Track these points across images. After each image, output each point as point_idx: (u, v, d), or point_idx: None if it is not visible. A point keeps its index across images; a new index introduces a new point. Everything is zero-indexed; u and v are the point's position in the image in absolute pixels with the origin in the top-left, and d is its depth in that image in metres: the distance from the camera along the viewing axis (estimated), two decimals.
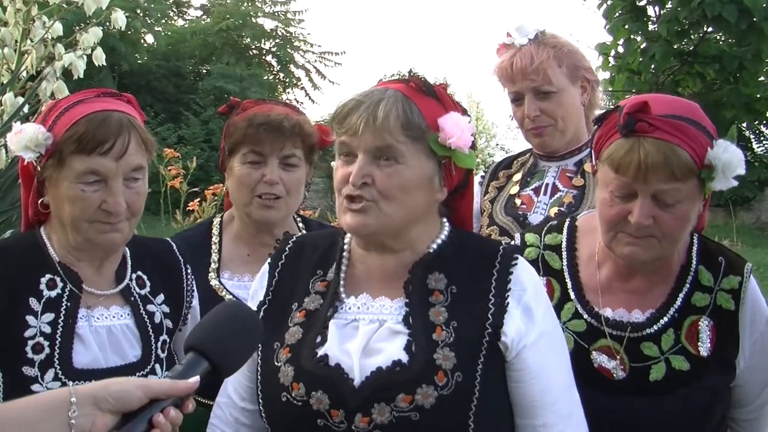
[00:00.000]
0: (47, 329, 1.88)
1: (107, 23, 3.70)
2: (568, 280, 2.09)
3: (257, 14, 27.94)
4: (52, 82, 3.56)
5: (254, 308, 1.88)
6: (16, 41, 3.60)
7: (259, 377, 1.84)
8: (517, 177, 2.83)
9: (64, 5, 3.62)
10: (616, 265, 2.04)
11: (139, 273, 2.09)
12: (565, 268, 2.11)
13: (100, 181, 1.89)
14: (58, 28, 3.64)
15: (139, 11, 24.30)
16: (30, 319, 1.88)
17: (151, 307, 2.06)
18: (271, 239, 2.46)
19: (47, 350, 1.86)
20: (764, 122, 20.50)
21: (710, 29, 15.37)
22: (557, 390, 1.78)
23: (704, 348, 1.96)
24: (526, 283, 1.80)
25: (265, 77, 27.62)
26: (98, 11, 3.58)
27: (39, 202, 1.97)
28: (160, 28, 26.66)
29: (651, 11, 15.74)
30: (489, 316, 1.74)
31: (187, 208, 4.99)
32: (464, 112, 1.85)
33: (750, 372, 1.99)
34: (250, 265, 2.48)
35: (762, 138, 21.95)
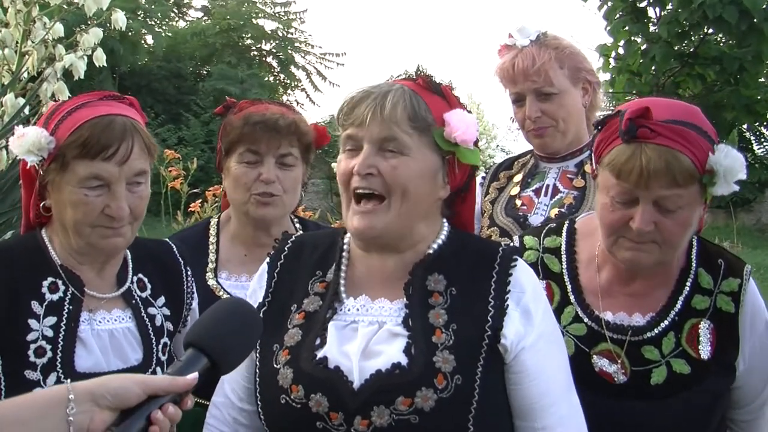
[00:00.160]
0: (49, 333, 1.88)
1: (107, 24, 3.69)
2: (567, 284, 2.09)
3: (258, 15, 27.94)
4: (53, 83, 3.56)
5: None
6: (17, 42, 3.60)
7: (257, 379, 1.83)
8: (518, 178, 2.83)
9: (64, 6, 3.62)
10: (617, 268, 2.04)
11: (140, 276, 2.08)
12: (564, 271, 2.10)
13: (103, 186, 1.89)
14: (58, 29, 3.64)
15: (139, 12, 24.31)
16: (32, 322, 1.87)
17: (152, 310, 2.06)
18: (268, 239, 2.46)
19: (49, 354, 1.86)
20: (765, 124, 20.49)
21: (710, 31, 15.37)
22: (556, 392, 1.78)
23: (705, 351, 1.95)
24: (526, 284, 1.80)
25: (266, 78, 27.63)
26: (98, 12, 3.57)
27: (41, 205, 1.97)
28: (160, 30, 26.65)
29: (651, 12, 15.74)
30: (488, 318, 1.74)
31: (189, 209, 4.99)
32: (469, 112, 1.86)
33: (749, 373, 1.99)
34: (248, 265, 2.49)
35: (762, 139, 21.95)
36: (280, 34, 28.30)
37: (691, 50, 15.73)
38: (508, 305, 1.76)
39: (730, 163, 1.87)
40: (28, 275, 1.92)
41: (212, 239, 2.56)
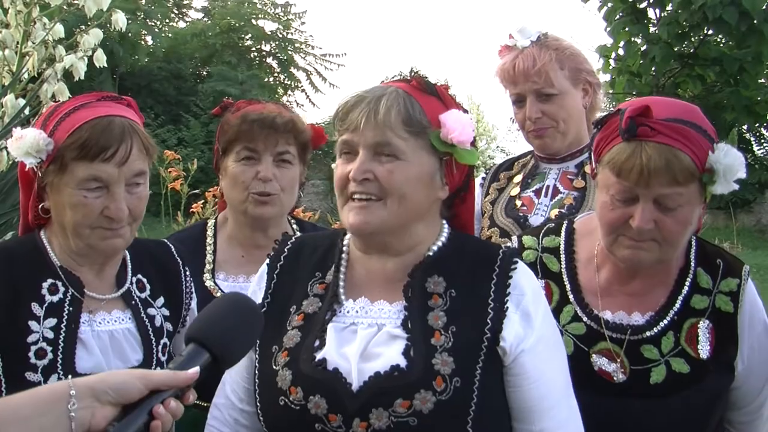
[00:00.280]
0: (50, 334, 1.88)
1: (107, 25, 3.69)
2: (566, 283, 2.09)
3: (258, 16, 27.94)
4: (53, 84, 3.56)
5: None
6: (17, 43, 3.60)
7: (256, 380, 1.83)
8: (518, 179, 2.83)
9: (64, 7, 3.62)
10: (616, 267, 2.04)
11: (139, 276, 2.09)
12: (563, 270, 2.10)
13: (102, 187, 1.88)
14: (59, 30, 3.64)
15: (139, 13, 24.31)
16: (32, 324, 1.87)
17: (151, 311, 2.06)
18: (266, 240, 2.46)
19: (50, 355, 1.86)
20: (764, 125, 20.49)
21: (710, 32, 15.37)
22: (555, 395, 1.77)
23: (704, 350, 1.95)
24: (525, 287, 1.79)
25: (266, 79, 27.63)
26: (99, 13, 3.58)
27: (39, 206, 1.97)
28: (160, 31, 26.65)
29: (651, 13, 15.74)
30: (488, 320, 1.73)
31: (190, 210, 4.99)
32: (465, 111, 1.84)
33: (747, 374, 1.99)
34: (245, 267, 2.49)
35: (762, 140, 21.95)
36: (280, 35, 28.31)
37: (691, 51, 15.73)
38: (507, 308, 1.75)
39: (729, 162, 1.87)
40: (28, 277, 1.92)
41: (209, 240, 2.56)
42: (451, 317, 1.74)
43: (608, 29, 15.31)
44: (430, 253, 1.82)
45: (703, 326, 1.97)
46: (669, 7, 15.26)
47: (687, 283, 2.01)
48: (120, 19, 3.61)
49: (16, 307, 1.88)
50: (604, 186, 1.95)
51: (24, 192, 2.01)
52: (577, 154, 2.73)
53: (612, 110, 2.00)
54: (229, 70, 24.97)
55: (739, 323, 1.97)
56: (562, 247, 2.14)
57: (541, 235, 2.18)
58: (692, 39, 15.80)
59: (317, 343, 1.76)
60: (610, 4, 15.37)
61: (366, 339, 1.75)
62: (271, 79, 28.57)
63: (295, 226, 2.63)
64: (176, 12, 29.66)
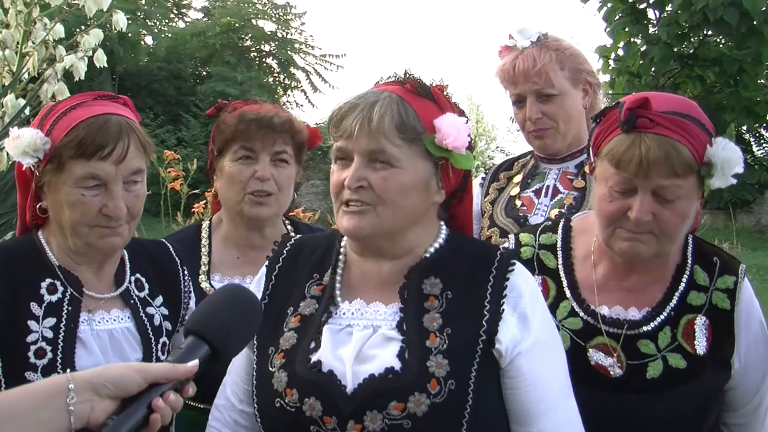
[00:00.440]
0: (49, 334, 1.88)
1: (107, 25, 3.69)
2: (563, 279, 2.09)
3: (258, 16, 27.94)
4: (54, 84, 3.56)
5: None
6: (18, 43, 3.60)
7: (254, 382, 1.83)
8: (518, 179, 2.84)
9: (65, 7, 3.62)
10: (613, 263, 2.05)
11: (138, 276, 2.09)
12: (560, 266, 2.11)
13: (100, 186, 1.89)
14: (59, 30, 3.64)
15: (139, 13, 24.30)
16: (32, 324, 1.87)
17: (150, 310, 2.06)
18: (262, 241, 2.47)
19: (50, 355, 1.86)
20: (764, 125, 20.50)
21: (710, 32, 15.36)
22: (553, 397, 1.77)
23: (701, 346, 1.96)
24: (523, 289, 1.78)
25: (266, 79, 27.63)
26: (99, 13, 3.57)
27: (37, 206, 1.96)
28: (160, 31, 26.64)
29: (651, 14, 15.72)
30: (483, 323, 1.73)
31: (191, 210, 4.99)
32: (461, 113, 1.84)
33: (744, 373, 2.00)
34: (241, 268, 2.50)
35: (762, 141, 21.98)
36: (280, 35, 28.31)
37: (691, 52, 15.71)
38: (503, 310, 1.74)
39: (727, 156, 1.88)
40: (27, 277, 1.92)
41: (204, 242, 2.57)
42: (446, 319, 1.73)
43: (608, 30, 15.29)
44: (427, 255, 1.82)
45: (700, 322, 1.98)
46: (668, 8, 15.23)
47: (684, 280, 2.02)
48: (120, 20, 3.61)
49: (15, 307, 1.88)
50: (602, 178, 1.96)
51: (21, 192, 2.01)
52: (577, 154, 2.74)
53: (610, 105, 2.01)
54: (228, 71, 24.97)
55: (735, 320, 1.97)
56: (559, 243, 2.14)
57: (538, 232, 2.19)
58: (692, 40, 15.79)
59: (313, 345, 1.76)
60: (609, 5, 15.34)
61: (361, 341, 1.75)
62: (271, 79, 28.57)
63: (289, 227, 2.63)
64: (176, 12, 29.66)
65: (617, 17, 15.30)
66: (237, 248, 2.55)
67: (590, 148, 2.04)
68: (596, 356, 1.99)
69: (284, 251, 1.94)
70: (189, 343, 1.45)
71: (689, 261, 2.04)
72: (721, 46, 16.32)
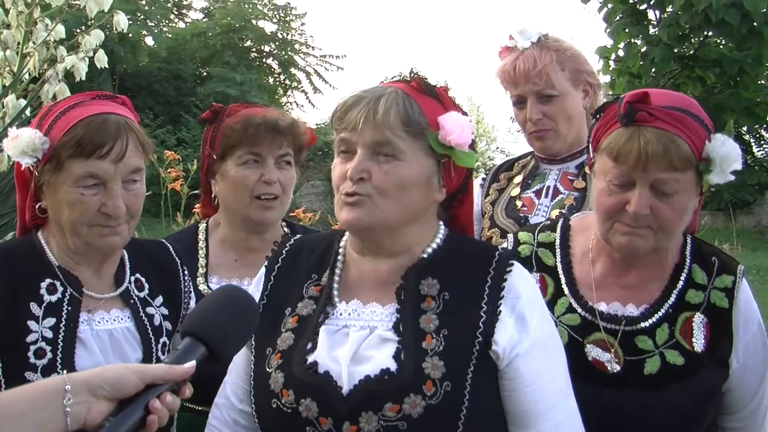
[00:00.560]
0: (49, 334, 1.88)
1: (108, 26, 3.70)
2: (561, 276, 2.09)
3: (258, 17, 27.94)
4: (54, 85, 3.56)
5: None
6: (19, 44, 3.60)
7: (252, 382, 1.83)
8: (518, 179, 2.84)
9: (66, 8, 3.62)
10: (611, 260, 2.05)
11: (138, 276, 2.09)
12: (558, 264, 2.11)
13: (99, 185, 1.89)
14: (60, 31, 3.64)
15: (139, 14, 24.31)
16: (31, 324, 1.87)
17: (150, 310, 2.06)
18: (260, 243, 2.47)
19: (50, 355, 1.86)
20: (764, 126, 20.48)
21: (711, 33, 15.36)
22: (552, 398, 1.76)
23: (698, 344, 1.96)
24: (521, 290, 1.78)
25: (266, 80, 27.64)
26: (100, 14, 3.58)
27: (36, 206, 1.97)
28: (162, 30, 26.64)
29: (652, 15, 15.72)
30: (480, 324, 1.72)
31: (192, 211, 4.98)
32: (464, 114, 1.84)
33: (741, 375, 2.00)
34: (238, 270, 2.51)
35: (762, 142, 21.96)
36: (281, 36, 28.31)
37: (691, 53, 15.71)
38: (500, 311, 1.74)
39: (726, 151, 1.89)
40: (27, 277, 1.92)
41: (201, 244, 2.57)
42: (443, 320, 1.73)
43: (608, 30, 15.29)
44: (425, 255, 1.82)
45: (698, 320, 1.98)
46: (669, 9, 15.23)
47: (682, 278, 2.03)
48: (121, 21, 3.61)
49: (15, 307, 1.88)
50: (601, 173, 1.97)
51: (20, 193, 2.01)
52: (578, 155, 2.73)
53: (610, 100, 2.02)
54: (228, 72, 24.97)
55: (733, 319, 1.98)
56: (557, 242, 2.15)
57: (537, 231, 2.19)
58: (692, 41, 15.78)
59: (309, 345, 1.76)
60: (610, 6, 15.34)
61: (357, 342, 1.75)
62: (271, 80, 28.57)
63: (286, 229, 2.64)
64: (176, 13, 29.66)
65: (618, 18, 15.29)
66: (235, 251, 2.56)
67: (589, 144, 2.05)
68: (594, 352, 1.99)
69: (283, 251, 1.94)
70: (186, 344, 1.45)
71: (688, 260, 2.05)
72: (721, 47, 16.32)
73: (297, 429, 1.70)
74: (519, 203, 2.75)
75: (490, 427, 1.74)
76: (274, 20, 28.18)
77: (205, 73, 26.90)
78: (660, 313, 1.99)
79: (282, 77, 28.99)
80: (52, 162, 1.89)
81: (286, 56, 28.12)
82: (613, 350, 1.98)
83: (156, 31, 26.09)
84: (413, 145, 1.75)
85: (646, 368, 1.95)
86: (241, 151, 2.47)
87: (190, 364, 1.41)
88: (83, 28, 3.76)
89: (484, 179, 2.95)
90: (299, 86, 28.66)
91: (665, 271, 2.04)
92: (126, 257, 2.09)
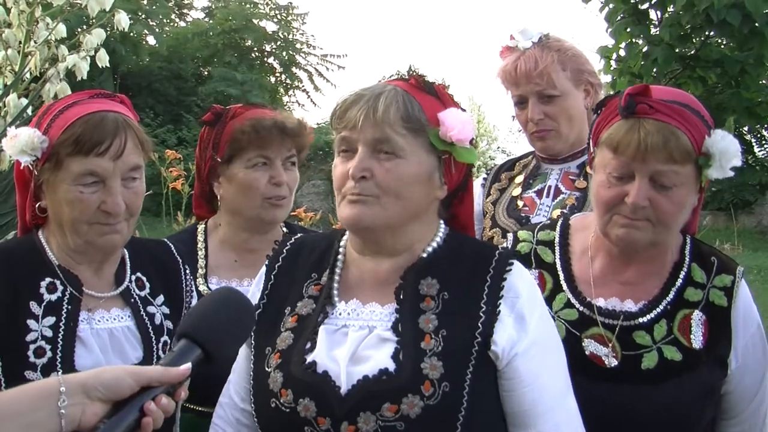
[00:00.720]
0: (49, 333, 1.88)
1: (110, 25, 3.70)
2: (560, 273, 2.10)
3: (259, 17, 27.94)
4: (56, 84, 3.56)
5: None
6: (20, 43, 3.60)
7: (252, 381, 1.83)
8: (520, 179, 2.84)
9: (67, 7, 3.62)
10: (610, 256, 2.05)
11: (139, 274, 2.09)
12: (557, 261, 2.12)
13: (98, 182, 1.89)
14: (61, 30, 3.64)
15: (140, 13, 24.31)
16: (31, 323, 1.87)
17: (151, 309, 2.06)
18: (261, 244, 2.48)
19: (49, 354, 1.86)
20: (765, 126, 20.48)
21: (712, 33, 15.37)
22: (551, 398, 1.75)
23: (697, 340, 1.96)
24: (521, 289, 1.77)
25: (268, 78, 27.63)
26: (101, 13, 3.58)
27: (36, 206, 1.97)
28: (161, 31, 26.64)
29: (653, 15, 15.73)
30: (479, 324, 1.71)
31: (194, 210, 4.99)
32: (463, 111, 1.83)
33: (740, 376, 2.00)
34: (238, 270, 2.51)
35: (763, 141, 21.93)
36: (282, 35, 28.31)
37: (693, 53, 15.72)
38: (500, 311, 1.73)
39: (725, 146, 1.90)
40: (27, 276, 1.93)
41: (200, 245, 2.57)
42: (442, 320, 1.72)
43: (609, 30, 15.30)
44: (424, 255, 1.81)
45: (697, 317, 1.98)
46: (671, 9, 15.24)
47: (681, 276, 2.03)
48: (123, 20, 3.61)
49: (15, 306, 1.88)
50: (601, 166, 1.97)
51: (20, 192, 2.01)
52: (579, 155, 2.73)
53: (611, 94, 2.03)
54: (229, 71, 24.96)
55: (732, 318, 1.98)
56: (556, 240, 2.15)
57: (537, 230, 2.20)
58: (694, 41, 15.79)
59: (308, 345, 1.76)
60: (611, 5, 15.35)
61: (356, 342, 1.74)
62: (273, 79, 28.57)
63: (285, 230, 2.64)
64: (177, 12, 29.67)
65: (619, 18, 15.30)
66: (235, 251, 2.56)
67: (590, 140, 2.05)
68: (591, 346, 1.99)
69: (284, 251, 1.94)
70: (181, 346, 1.45)
71: (687, 259, 2.05)
72: (723, 47, 16.32)
73: (295, 429, 1.69)
74: (520, 203, 2.74)
75: (489, 427, 1.74)
76: (275, 20, 28.18)
77: (206, 73, 26.90)
78: (658, 309, 1.99)
79: (283, 77, 28.98)
80: (51, 160, 1.89)
81: (287, 56, 28.12)
82: (610, 345, 1.98)
83: (157, 30, 26.08)
84: (414, 142, 1.75)
85: (644, 363, 1.95)
86: (251, 154, 2.46)
87: (186, 367, 1.41)
88: (84, 27, 3.76)
89: (485, 179, 2.95)
90: (301, 86, 28.67)
91: (664, 268, 2.04)
92: (126, 256, 2.09)
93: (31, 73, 3.65)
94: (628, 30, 15.23)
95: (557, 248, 2.14)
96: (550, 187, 2.74)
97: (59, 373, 1.84)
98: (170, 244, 2.22)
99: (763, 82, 16.60)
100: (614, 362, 1.97)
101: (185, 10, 30.15)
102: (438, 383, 1.65)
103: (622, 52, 15.60)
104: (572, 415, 1.79)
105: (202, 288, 2.46)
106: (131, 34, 22.25)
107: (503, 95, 2.84)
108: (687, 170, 1.90)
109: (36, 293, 1.91)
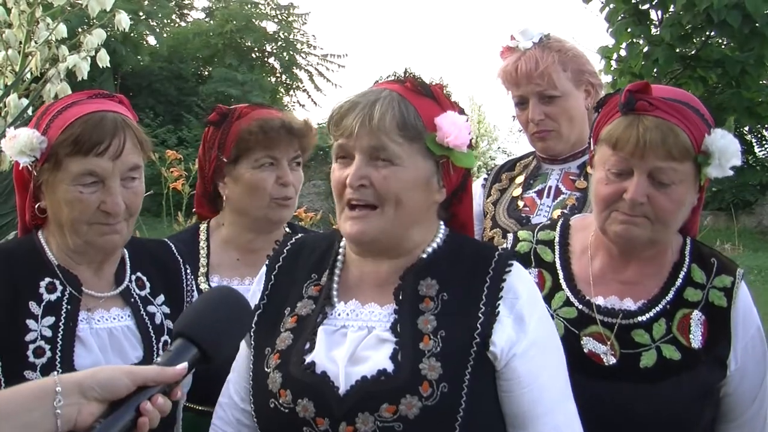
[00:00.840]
0: (48, 333, 1.88)
1: (110, 25, 3.70)
2: (560, 272, 2.10)
3: (260, 17, 27.96)
4: (56, 84, 3.56)
5: None
6: (21, 43, 3.60)
7: (251, 381, 1.83)
8: (520, 179, 2.83)
9: (68, 7, 3.62)
10: (609, 255, 2.05)
11: (139, 274, 2.09)
12: (557, 260, 2.12)
13: (98, 182, 1.89)
14: (62, 30, 3.65)
15: (141, 14, 24.32)
16: (30, 323, 1.88)
17: (151, 308, 2.06)
18: (264, 243, 2.47)
19: (49, 354, 1.86)
20: (766, 126, 20.47)
21: (713, 34, 15.36)
22: (550, 400, 1.75)
23: (696, 340, 1.96)
24: (520, 290, 1.77)
25: (268, 78, 27.64)
26: (101, 13, 3.58)
27: (36, 206, 1.97)
28: (162, 31, 26.66)
29: (654, 15, 15.72)
30: (478, 325, 1.71)
31: (193, 210, 4.99)
32: (461, 111, 1.83)
33: (740, 378, 1.99)
34: (240, 269, 2.51)
35: (764, 142, 21.93)
36: (283, 36, 28.32)
37: (693, 53, 15.72)
38: (499, 311, 1.73)
39: (725, 145, 1.90)
40: (27, 276, 1.93)
41: (202, 244, 2.57)
42: (441, 321, 1.72)
43: (610, 30, 15.29)
44: (424, 256, 1.81)
45: (696, 317, 1.98)
46: (671, 9, 15.23)
47: (681, 276, 2.03)
48: (123, 20, 3.61)
49: (15, 306, 1.88)
50: (600, 162, 1.98)
51: (20, 193, 2.01)
52: (580, 155, 2.73)
53: (611, 92, 2.03)
54: (229, 72, 24.97)
55: (732, 319, 1.97)
56: (556, 239, 2.16)
57: (537, 229, 2.20)
58: (695, 41, 15.78)
59: (307, 345, 1.76)
60: (612, 6, 15.35)
61: (355, 342, 1.74)
62: (273, 79, 28.58)
63: (287, 229, 2.64)
64: (177, 12, 29.68)
65: (620, 18, 15.29)
66: (238, 251, 2.56)
67: (591, 138, 2.05)
68: (590, 344, 1.99)
69: (285, 251, 1.94)
70: (177, 345, 1.45)
71: (687, 260, 2.05)
72: (723, 47, 16.32)
73: (294, 429, 1.69)
74: (521, 203, 2.74)
75: (487, 428, 1.73)
76: (276, 20, 28.20)
77: (206, 73, 26.92)
78: (657, 308, 1.99)
79: (283, 77, 29.00)
80: (51, 161, 1.89)
81: (287, 56, 28.13)
82: (609, 343, 1.98)
83: (158, 30, 26.11)
84: (410, 149, 1.74)
85: (642, 361, 1.95)
86: (258, 154, 2.46)
87: (182, 366, 1.41)
88: (85, 27, 3.76)
89: (486, 179, 2.95)
90: (301, 86, 28.69)
91: (664, 268, 2.04)
92: (126, 256, 2.09)
93: (31, 74, 3.65)
94: (629, 30, 15.23)
95: (557, 247, 2.14)
96: (550, 187, 2.74)
97: (59, 372, 1.84)
98: (170, 244, 2.22)
99: (764, 82, 16.60)
100: (613, 360, 1.97)
101: (186, 11, 30.17)
102: (436, 384, 1.65)
103: (622, 53, 15.59)
104: (571, 417, 1.78)
105: (203, 286, 2.46)
106: (132, 34, 22.26)
107: (504, 95, 2.84)
108: (686, 168, 1.90)
109: (35, 293, 1.91)
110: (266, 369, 1.78)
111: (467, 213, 1.94)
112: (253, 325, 1.86)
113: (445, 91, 1.84)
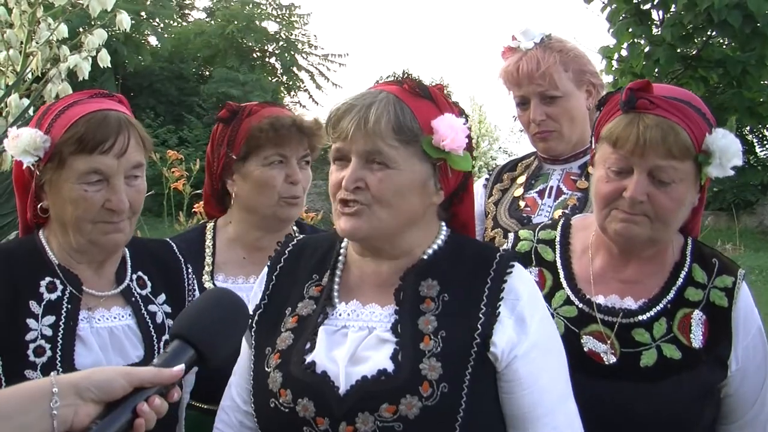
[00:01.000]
0: (48, 332, 1.88)
1: (111, 25, 3.71)
2: (560, 271, 2.10)
3: (261, 17, 27.97)
4: (57, 84, 3.57)
5: (252, 311, 1.87)
6: (22, 43, 3.61)
7: (252, 382, 1.83)
8: (521, 179, 2.83)
9: (69, 7, 3.62)
10: (610, 254, 2.05)
11: (140, 273, 2.09)
12: (557, 259, 2.12)
13: (102, 181, 1.89)
14: (63, 30, 3.65)
15: (143, 14, 24.34)
16: (31, 322, 1.88)
17: (152, 307, 2.06)
18: (271, 242, 2.46)
19: (49, 353, 1.86)
20: (767, 126, 20.46)
21: (714, 34, 15.34)
22: (550, 402, 1.75)
23: (696, 340, 1.96)
24: (521, 291, 1.77)
25: (269, 78, 27.66)
26: (103, 13, 3.58)
27: (38, 206, 1.97)
28: (163, 31, 26.67)
29: (655, 15, 15.71)
30: (478, 326, 1.71)
31: (194, 210, 4.99)
32: (461, 112, 1.82)
33: (742, 378, 1.99)
34: (246, 268, 2.50)
35: (765, 142, 21.92)
36: (283, 36, 28.34)
37: (695, 53, 15.70)
38: (499, 312, 1.73)
39: (726, 144, 1.89)
40: (27, 276, 1.93)
41: (208, 242, 2.57)
42: (441, 322, 1.72)
43: (611, 30, 15.27)
44: (425, 257, 1.81)
45: (697, 317, 1.98)
46: (673, 9, 15.21)
47: (682, 276, 2.03)
48: (124, 20, 3.62)
49: (15, 306, 1.88)
50: (601, 161, 1.98)
51: (20, 194, 2.01)
52: (581, 155, 2.73)
53: (613, 90, 2.03)
54: (230, 72, 24.99)
55: (733, 319, 1.97)
56: (557, 239, 2.16)
57: (538, 229, 2.21)
58: (696, 41, 15.77)
59: (308, 345, 1.76)
60: (613, 6, 15.33)
61: (356, 342, 1.74)
62: (274, 79, 28.59)
63: (295, 228, 2.64)
64: (178, 12, 29.70)
65: (621, 18, 15.27)
66: (244, 249, 2.55)
67: (593, 137, 2.05)
68: (590, 343, 1.99)
69: (286, 251, 1.94)
70: (174, 347, 1.45)
71: (688, 260, 2.05)
72: (724, 47, 16.30)
73: (294, 429, 1.70)
74: (522, 203, 2.74)
75: (487, 429, 1.73)
76: (277, 20, 28.21)
77: (207, 73, 26.93)
78: (658, 308, 1.99)
79: (284, 77, 29.01)
80: (54, 160, 1.89)
81: (288, 57, 28.14)
82: (609, 342, 1.98)
83: (159, 30, 26.11)
84: (405, 153, 1.73)
85: (643, 360, 1.95)
86: (268, 152, 2.46)
87: (179, 368, 1.41)
88: (86, 27, 3.76)
89: (487, 179, 2.95)
90: (302, 86, 28.70)
91: (665, 267, 2.04)
92: (127, 255, 2.09)
93: (32, 74, 3.65)
94: (630, 30, 15.21)
95: (558, 247, 2.14)
96: (551, 187, 2.74)
97: (59, 371, 1.85)
98: (172, 244, 2.22)
99: (765, 82, 16.57)
100: (613, 359, 1.97)
101: (187, 11, 30.18)
102: (437, 384, 1.65)
103: (624, 53, 15.57)
104: (572, 418, 1.78)
105: (207, 285, 2.46)
106: (133, 34, 22.27)
107: (505, 95, 2.84)
108: (686, 166, 1.89)
109: (36, 292, 1.91)
110: (267, 368, 1.78)
111: (468, 213, 1.93)
112: (254, 325, 1.86)
113: (445, 92, 1.84)
